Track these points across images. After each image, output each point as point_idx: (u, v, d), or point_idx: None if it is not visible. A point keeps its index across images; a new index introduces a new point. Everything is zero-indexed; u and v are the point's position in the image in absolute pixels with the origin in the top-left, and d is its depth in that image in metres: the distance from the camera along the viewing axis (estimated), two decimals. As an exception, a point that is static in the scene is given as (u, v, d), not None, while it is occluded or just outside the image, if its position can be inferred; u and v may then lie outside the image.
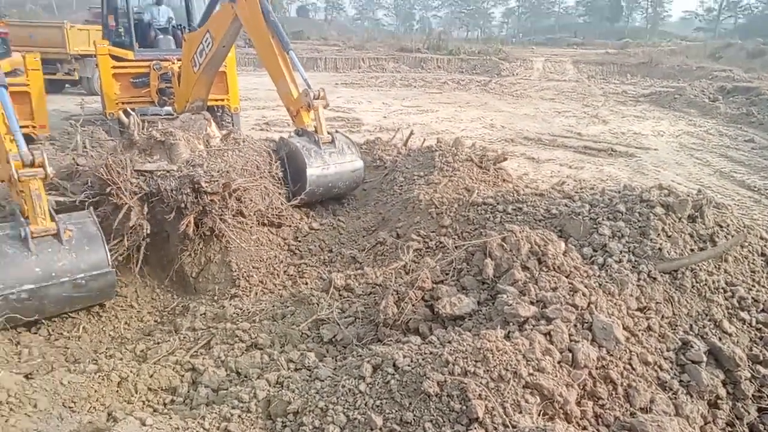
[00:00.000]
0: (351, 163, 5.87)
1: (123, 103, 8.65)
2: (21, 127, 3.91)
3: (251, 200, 5.01)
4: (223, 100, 9.33)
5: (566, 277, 3.10)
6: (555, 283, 3.00)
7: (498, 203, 4.58)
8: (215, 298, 4.33)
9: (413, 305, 3.12)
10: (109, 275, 3.87)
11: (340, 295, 3.79)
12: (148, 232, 4.41)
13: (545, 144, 11.14)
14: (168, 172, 4.71)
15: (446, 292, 3.07)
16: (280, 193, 5.47)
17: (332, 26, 79.46)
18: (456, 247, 4.11)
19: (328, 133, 5.82)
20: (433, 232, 4.61)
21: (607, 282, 3.13)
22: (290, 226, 5.48)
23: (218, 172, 4.78)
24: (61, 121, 10.48)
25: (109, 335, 3.89)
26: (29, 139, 6.64)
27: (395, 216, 5.23)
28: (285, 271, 4.73)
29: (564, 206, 4.14)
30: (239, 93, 9.83)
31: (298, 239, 5.32)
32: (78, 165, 4.86)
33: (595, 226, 3.69)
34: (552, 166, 9.23)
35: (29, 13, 41.81)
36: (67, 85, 16.72)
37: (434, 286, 3.22)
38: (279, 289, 4.45)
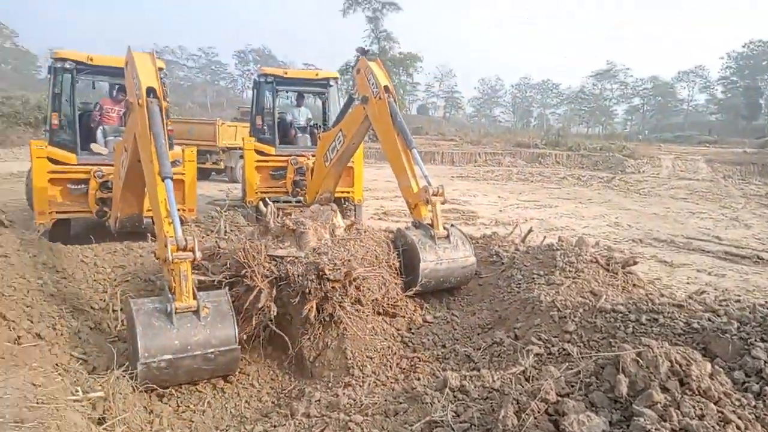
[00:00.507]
0: (464, 259, 5.91)
1: (262, 192, 9.56)
2: (184, 233, 4.38)
3: (369, 289, 5.15)
4: (348, 192, 9.98)
5: (714, 404, 2.74)
6: (701, 409, 2.66)
7: (630, 311, 4.27)
8: (330, 384, 4.38)
9: (535, 418, 2.91)
10: (235, 352, 4.16)
11: (454, 396, 3.65)
12: (275, 314, 4.67)
13: (679, 247, 10.33)
14: (296, 258, 5.02)
15: (573, 408, 2.84)
16: (396, 284, 5.58)
17: (450, 123, 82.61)
18: (582, 357, 3.85)
19: (444, 227, 5.95)
20: (555, 336, 4.37)
21: (765, 414, 2.72)
22: (404, 316, 5.51)
23: (341, 260, 5.00)
24: (206, 205, 11.70)
25: (231, 412, 4.04)
26: (179, 221, 7.50)
27: (513, 315, 5.06)
28: (398, 364, 4.69)
29: (707, 321, 3.75)
30: (363, 184, 10.45)
31: (412, 331, 5.31)
32: (219, 248, 5.34)
33: (746, 347, 3.28)
34: (688, 272, 8.48)
35: (188, 110, 48.57)
36: (213, 173, 18.81)
37: (559, 399, 3.00)
38: (391, 382, 4.40)
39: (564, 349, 4.11)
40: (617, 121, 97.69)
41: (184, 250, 4.01)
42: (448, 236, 5.87)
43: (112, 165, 6.95)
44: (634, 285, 5.32)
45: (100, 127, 8.40)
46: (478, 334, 5.14)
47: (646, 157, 31.03)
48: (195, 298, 4.06)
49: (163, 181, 4.47)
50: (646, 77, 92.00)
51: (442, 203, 6.03)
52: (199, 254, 4.07)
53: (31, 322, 4.14)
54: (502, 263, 6.62)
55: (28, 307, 4.29)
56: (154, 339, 3.83)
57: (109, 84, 8.84)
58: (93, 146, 7.95)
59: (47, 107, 8.17)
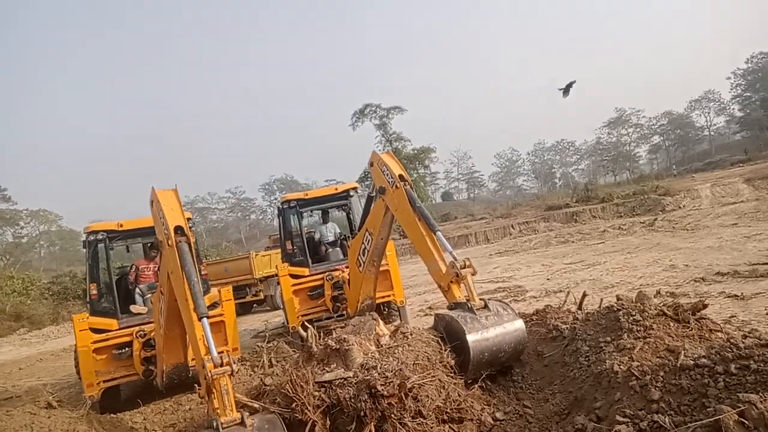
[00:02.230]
0: (510, 323, 5.58)
1: (303, 315, 9.43)
2: (219, 353, 4.39)
3: (428, 396, 4.75)
4: (389, 295, 9.77)
5: None
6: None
7: (715, 363, 3.80)
8: None
9: None
10: None
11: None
12: (333, 446, 4.32)
13: (745, 276, 9.58)
14: (345, 379, 4.75)
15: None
16: (455, 384, 5.18)
17: (476, 202, 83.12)
18: (677, 427, 3.38)
19: (481, 299, 5.72)
20: (641, 410, 3.88)
21: None
22: (472, 419, 5.03)
23: (392, 371, 4.70)
24: (250, 339, 11.60)
25: None
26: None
27: (589, 394, 4.57)
28: (477, 477, 4.21)
29: (809, 357, 3.28)
30: (402, 285, 10.24)
31: (484, 434, 4.82)
32: (265, 385, 5.12)
33: None
34: (764, 302, 7.76)
35: (225, 249, 50.15)
36: (254, 305, 18.91)
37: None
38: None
39: (655, 422, 3.64)
40: (642, 163, 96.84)
41: (221, 366, 4.18)
42: (486, 306, 5.63)
43: (152, 322, 6.99)
44: (710, 331, 4.81)
45: (138, 288, 8.59)
46: (557, 422, 4.64)
47: (682, 191, 30.13)
48: (238, 411, 4.18)
49: (199, 320, 4.51)
50: (660, 114, 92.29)
51: (473, 274, 5.87)
52: (236, 367, 4.24)
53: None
54: (564, 337, 6.15)
55: (80, 492, 4.08)
56: None
57: (142, 245, 9.18)
58: (132, 308, 8.08)
59: (86, 279, 8.44)
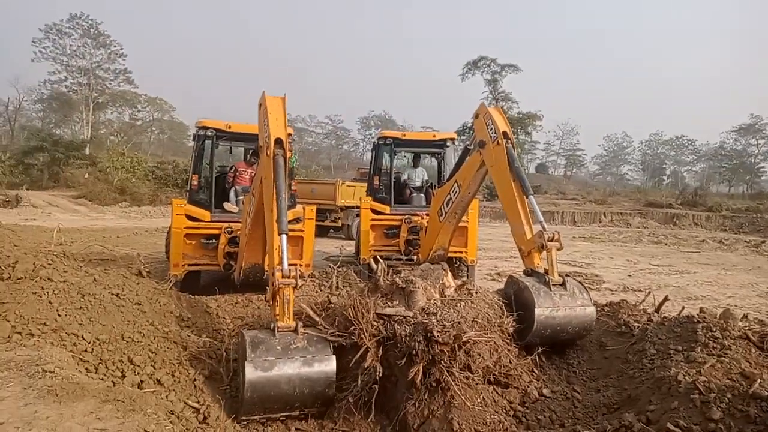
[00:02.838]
0: (582, 308, 5.49)
1: (375, 250, 9.69)
2: (292, 264, 4.74)
3: (479, 354, 4.83)
4: (462, 252, 9.79)
5: None
6: None
7: (792, 400, 3.56)
8: (433, 457, 4.10)
9: None
10: (330, 364, 4.51)
11: (574, 485, 3.23)
12: (380, 375, 4.54)
13: None
14: (404, 317, 4.91)
15: None
16: (509, 350, 5.21)
17: (571, 181, 79.58)
18: (732, 452, 3.25)
19: (559, 275, 5.62)
20: (696, 424, 3.74)
21: None
22: (518, 388, 5.06)
23: (450, 322, 4.79)
24: (322, 260, 12.12)
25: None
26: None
27: (645, 396, 4.45)
28: (509, 441, 4.29)
29: None
30: (477, 245, 10.20)
31: (526, 405, 4.85)
32: (330, 303, 5.41)
33: None
34: None
35: (313, 172, 51.89)
36: (331, 231, 19.61)
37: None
38: (502, 462, 4.02)
39: (709, 441, 3.50)
40: (765, 180, 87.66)
41: (288, 277, 4.52)
42: (564, 284, 5.53)
43: (240, 222, 7.47)
44: (797, 369, 4.47)
45: (233, 188, 9.15)
46: (603, 414, 4.58)
47: (804, 217, 27.24)
48: (294, 319, 4.60)
49: (279, 235, 4.79)
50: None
51: (559, 249, 5.75)
52: (300, 281, 4.60)
53: (154, 367, 4.44)
54: (633, 335, 5.94)
55: (152, 353, 4.61)
56: (260, 345, 4.35)
57: (244, 149, 9.69)
58: (225, 205, 8.65)
59: (189, 169, 9.09)
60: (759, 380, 3.96)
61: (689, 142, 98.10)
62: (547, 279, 5.53)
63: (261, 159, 5.55)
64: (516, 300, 5.59)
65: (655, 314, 6.56)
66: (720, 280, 12.72)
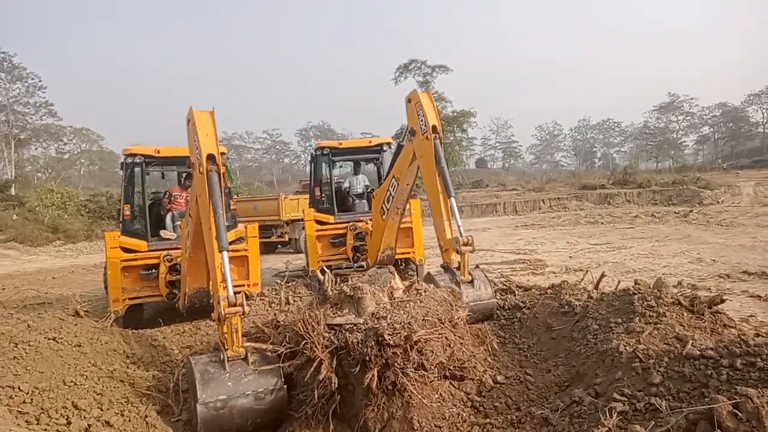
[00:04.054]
0: (487, 300, 6.42)
1: (323, 261, 9.64)
2: (239, 285, 4.73)
3: (432, 352, 4.88)
4: (409, 253, 9.92)
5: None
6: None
7: (721, 356, 3.81)
8: (397, 459, 4.12)
9: (623, 488, 2.57)
10: (282, 391, 4.61)
11: (532, 466, 3.33)
12: (336, 385, 4.52)
13: (772, 278, 9.37)
14: (355, 325, 4.90)
15: (665, 474, 2.50)
16: (462, 343, 5.30)
17: (510, 172, 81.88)
18: (672, 412, 3.44)
19: (470, 273, 6.41)
20: (639, 391, 3.94)
21: None
22: (473, 379, 5.17)
23: (400, 323, 4.83)
24: (271, 277, 11.95)
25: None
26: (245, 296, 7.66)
27: (591, 370, 4.64)
28: (469, 431, 4.37)
29: (817, 361, 3.27)
30: (423, 244, 10.34)
31: (483, 394, 4.96)
32: (278, 321, 5.34)
33: None
34: (788, 305, 7.61)
35: (256, 189, 50.98)
36: (278, 246, 19.33)
37: (648, 464, 2.65)
38: (463, 454, 4.09)
39: (651, 405, 3.70)
40: (688, 153, 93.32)
41: (234, 305, 4.52)
42: (472, 281, 6.37)
43: (179, 249, 7.26)
44: (724, 326, 4.79)
45: (170, 214, 8.88)
46: (555, 393, 4.74)
47: (723, 186, 29.14)
48: (243, 347, 4.62)
49: (220, 252, 4.72)
50: (714, 105, 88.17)
51: (471, 252, 6.48)
52: (247, 309, 4.59)
53: (101, 409, 4.26)
54: (575, 313, 6.20)
55: (98, 394, 4.43)
56: (210, 383, 4.35)
57: (177, 173, 9.41)
58: (162, 232, 8.38)
59: (120, 200, 8.75)
60: (691, 342, 4.21)
61: (615, 125, 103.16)
62: (458, 278, 6.29)
63: (194, 176, 5.40)
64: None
65: (595, 291, 6.88)
66: (654, 251, 13.42)
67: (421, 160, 6.99)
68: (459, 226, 6.39)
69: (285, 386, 4.61)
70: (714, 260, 11.43)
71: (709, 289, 8.54)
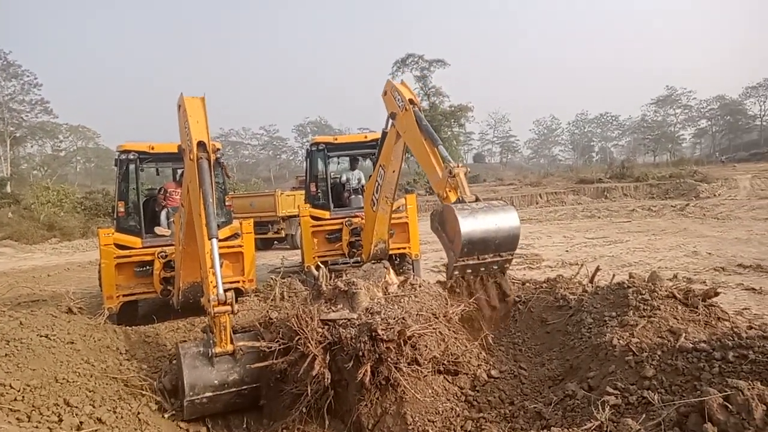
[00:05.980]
0: (503, 211, 5.62)
1: (319, 256, 9.62)
2: (234, 281, 4.74)
3: (426, 346, 4.88)
4: (405, 248, 9.88)
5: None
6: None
7: (714, 349, 3.80)
8: (391, 454, 4.12)
9: (613, 482, 2.57)
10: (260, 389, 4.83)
11: (524, 460, 3.32)
12: (329, 381, 4.52)
13: (767, 271, 9.38)
14: (349, 320, 4.90)
15: (655, 467, 2.49)
16: (456, 338, 5.30)
17: (508, 167, 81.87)
18: (664, 405, 3.43)
19: (473, 194, 5.87)
20: (632, 384, 3.94)
21: None
22: (467, 373, 5.17)
23: (394, 318, 4.82)
24: (267, 273, 11.92)
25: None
26: (239, 292, 7.63)
27: (585, 364, 4.64)
28: (462, 426, 4.36)
29: (808, 354, 3.26)
30: (419, 239, 10.33)
31: (476, 389, 4.95)
32: (270, 318, 5.33)
33: None
34: (782, 298, 7.63)
35: (253, 185, 50.91)
36: (275, 242, 19.32)
37: (638, 457, 2.65)
38: (456, 448, 4.08)
39: (644, 398, 3.69)
40: (685, 146, 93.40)
41: (224, 304, 4.56)
42: (477, 199, 5.77)
43: (174, 245, 7.23)
44: (718, 319, 4.78)
45: (165, 210, 8.84)
46: (549, 387, 4.73)
47: (720, 179, 29.19)
48: (232, 343, 4.76)
49: (209, 239, 4.71)
50: (711, 97, 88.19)
51: (465, 173, 6.02)
52: (236, 307, 4.66)
53: (93, 406, 4.24)
54: (570, 307, 6.19)
55: (90, 392, 4.41)
56: (198, 381, 4.57)
57: (172, 169, 9.37)
58: (157, 229, 8.35)
59: (115, 196, 8.71)
60: (684, 334, 4.20)
61: (613, 118, 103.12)
62: (462, 198, 5.74)
63: (185, 164, 5.36)
64: (441, 224, 5.71)
65: (590, 285, 6.86)
66: (651, 245, 13.44)
67: (406, 134, 6.87)
68: (450, 161, 6.13)
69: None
70: (710, 253, 11.45)
71: (704, 282, 8.55)
